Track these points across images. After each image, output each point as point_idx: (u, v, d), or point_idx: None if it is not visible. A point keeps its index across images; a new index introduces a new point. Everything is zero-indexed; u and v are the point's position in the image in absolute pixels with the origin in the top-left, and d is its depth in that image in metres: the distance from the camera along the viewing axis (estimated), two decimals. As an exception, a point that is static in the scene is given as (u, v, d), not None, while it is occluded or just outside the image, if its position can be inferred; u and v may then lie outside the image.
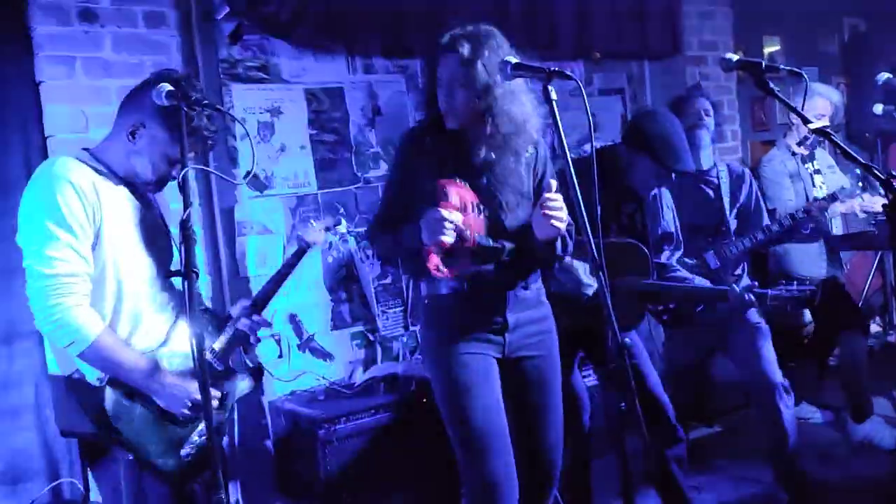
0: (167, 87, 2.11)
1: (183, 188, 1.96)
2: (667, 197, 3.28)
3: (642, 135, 3.02)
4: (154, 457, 2.25)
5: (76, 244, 2.17)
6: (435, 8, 3.93)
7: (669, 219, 3.27)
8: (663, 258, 3.24)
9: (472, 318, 2.52)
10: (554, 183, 2.36)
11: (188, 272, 1.89)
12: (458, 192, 2.39)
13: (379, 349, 4.06)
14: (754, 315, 3.50)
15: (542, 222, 2.36)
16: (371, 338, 4.05)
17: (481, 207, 2.45)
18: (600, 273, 2.01)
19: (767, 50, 5.68)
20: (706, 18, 5.13)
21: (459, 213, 2.36)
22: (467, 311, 2.51)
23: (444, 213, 2.31)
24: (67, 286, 2.15)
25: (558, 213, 2.31)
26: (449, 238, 2.32)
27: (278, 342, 3.81)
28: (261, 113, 3.76)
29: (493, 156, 2.44)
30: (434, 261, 2.35)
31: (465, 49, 2.36)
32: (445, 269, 2.36)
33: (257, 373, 2.61)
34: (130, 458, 2.23)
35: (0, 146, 3.01)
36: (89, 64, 3.17)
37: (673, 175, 3.04)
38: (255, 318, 2.53)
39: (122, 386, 2.23)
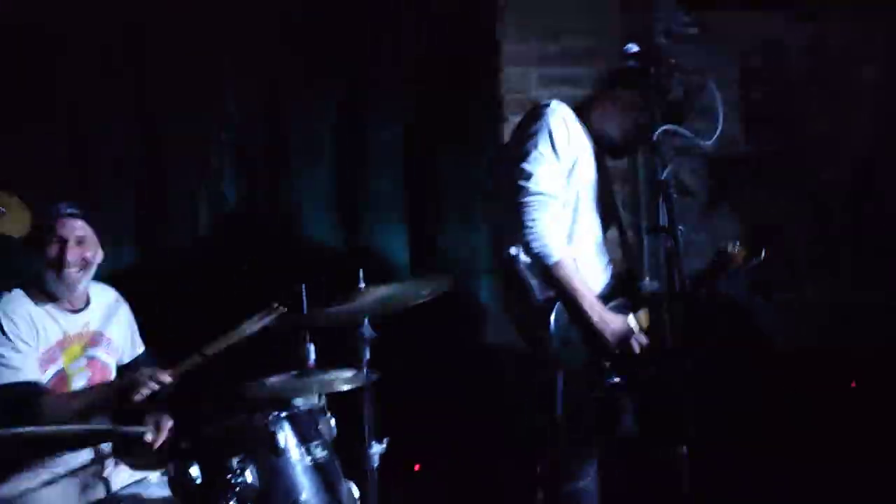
0: (634, 47, 2.25)
1: (657, 148, 2.05)
2: None
3: None
4: (583, 378, 2.39)
5: (558, 169, 2.38)
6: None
7: None
8: None
9: None
10: None
11: (672, 228, 1.99)
12: None
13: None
14: None
15: None
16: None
17: None
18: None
19: None
20: None
21: None
22: None
23: None
24: (546, 204, 2.34)
25: None
26: None
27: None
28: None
29: None
30: None
31: None
32: None
33: None
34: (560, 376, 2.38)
35: (462, 101, 3.33)
36: (542, 28, 3.36)
37: None
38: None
39: (568, 309, 2.36)
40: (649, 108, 2.23)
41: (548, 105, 2.43)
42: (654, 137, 2.06)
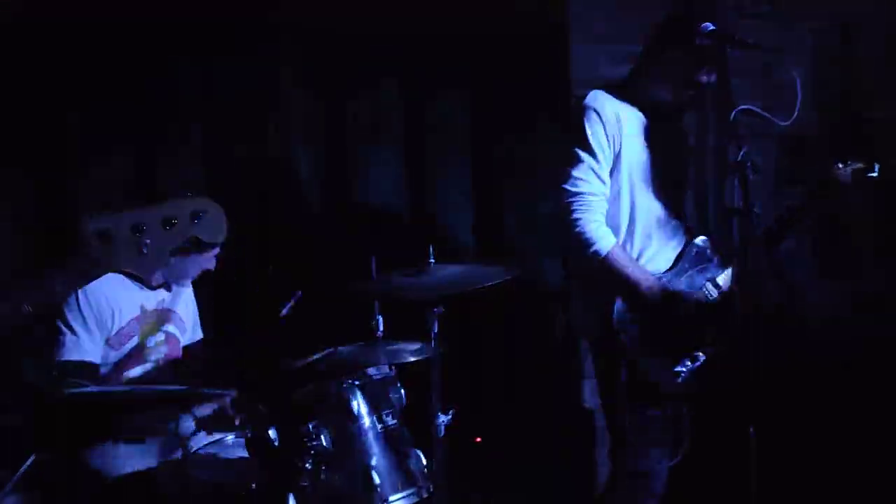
0: (710, 26, 2.26)
1: (733, 129, 2.09)
2: None
3: None
4: (649, 368, 2.41)
5: (597, 167, 2.41)
6: None
7: None
8: None
9: None
10: None
11: (747, 210, 2.03)
12: None
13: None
14: None
15: None
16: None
17: None
18: None
19: None
20: None
21: None
22: None
23: None
24: (587, 204, 2.40)
25: None
26: None
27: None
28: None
29: None
30: None
31: None
32: None
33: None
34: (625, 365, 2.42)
35: (528, 90, 3.33)
36: (610, 5, 3.35)
37: None
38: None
39: (629, 298, 2.41)
40: (720, 78, 2.23)
41: (582, 101, 2.46)
42: (731, 117, 2.06)
